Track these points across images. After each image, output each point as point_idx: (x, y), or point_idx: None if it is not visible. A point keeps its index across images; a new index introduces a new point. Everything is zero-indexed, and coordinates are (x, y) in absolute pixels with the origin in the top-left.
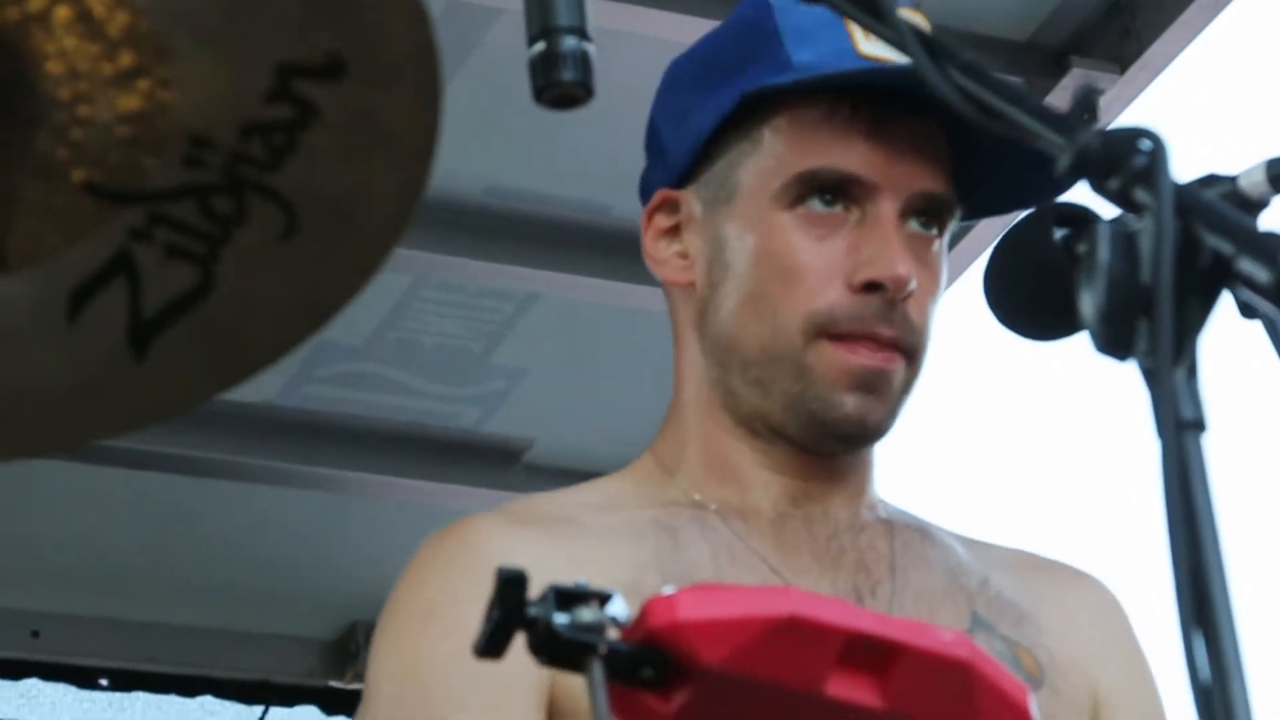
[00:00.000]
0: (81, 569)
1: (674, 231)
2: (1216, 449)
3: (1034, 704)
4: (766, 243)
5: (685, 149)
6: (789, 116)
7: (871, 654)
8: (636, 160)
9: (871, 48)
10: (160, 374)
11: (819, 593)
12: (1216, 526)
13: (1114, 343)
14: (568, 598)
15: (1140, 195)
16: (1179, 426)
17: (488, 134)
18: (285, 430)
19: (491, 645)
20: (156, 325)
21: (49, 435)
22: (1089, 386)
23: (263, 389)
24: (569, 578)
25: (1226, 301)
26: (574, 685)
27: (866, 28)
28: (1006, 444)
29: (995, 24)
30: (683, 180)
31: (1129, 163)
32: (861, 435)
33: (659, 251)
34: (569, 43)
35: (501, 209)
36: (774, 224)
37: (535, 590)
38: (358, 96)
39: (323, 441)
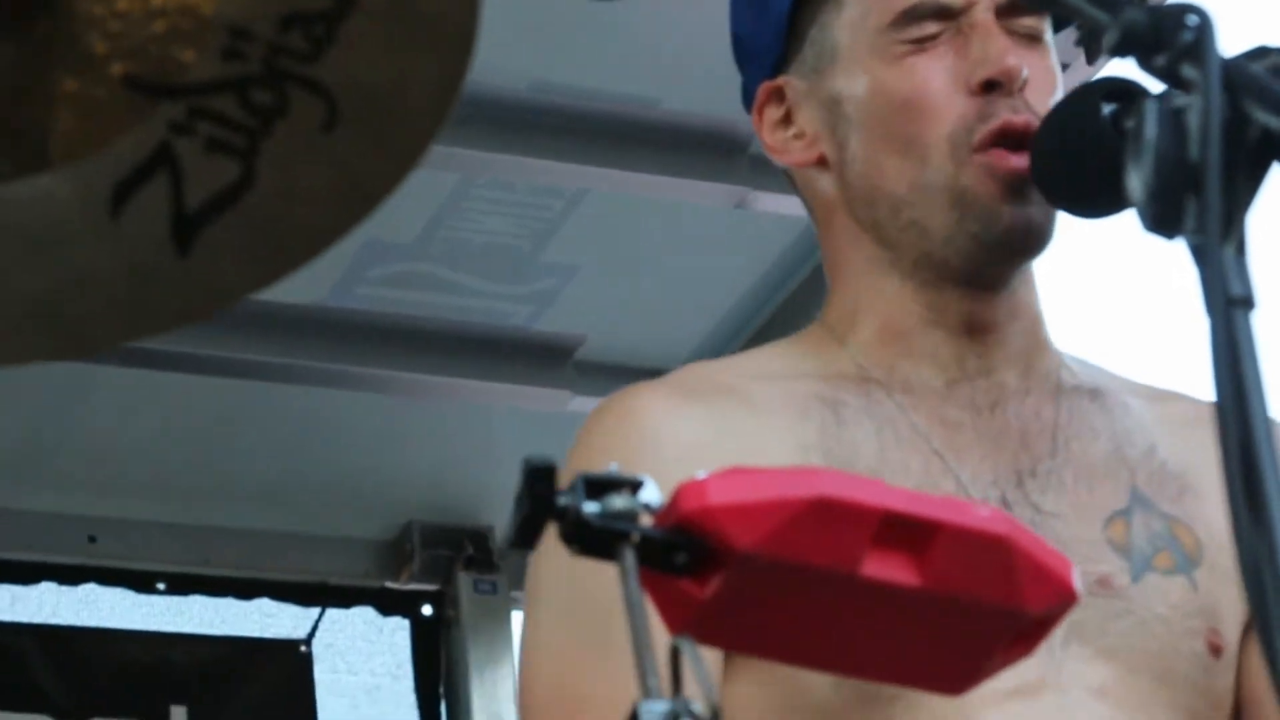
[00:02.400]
0: (136, 474)
1: (786, 119)
2: (1266, 325)
3: (1077, 576)
4: (881, 81)
5: (772, 35)
6: None
7: (907, 532)
8: (684, 53)
9: None
10: (205, 268)
11: (981, 474)
12: (1266, 402)
13: (1162, 220)
14: (597, 486)
15: (1187, 71)
16: (1228, 303)
17: (533, 28)
18: (336, 331)
19: (522, 537)
20: (200, 219)
21: (96, 332)
22: (1138, 262)
23: (313, 290)
24: (730, 457)
25: (1276, 176)
26: None
27: None
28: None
29: None
30: (777, 70)
31: (1176, 38)
32: (1025, 242)
33: (778, 141)
34: None
35: (548, 104)
36: (882, 61)
37: (718, 464)
38: None
39: (374, 342)
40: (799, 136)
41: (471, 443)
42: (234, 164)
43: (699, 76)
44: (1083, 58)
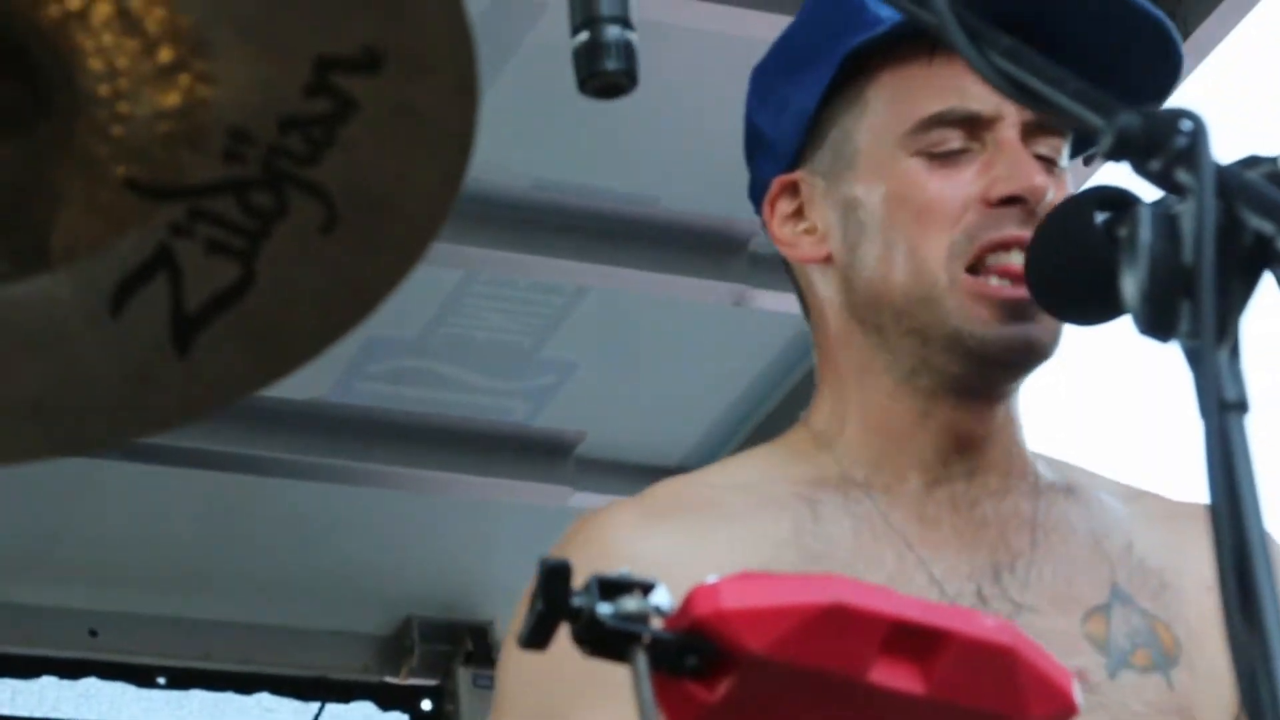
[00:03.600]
0: (138, 568)
1: (798, 214)
2: (1259, 430)
3: (1078, 689)
4: (898, 189)
5: (793, 132)
6: (890, 71)
7: (915, 641)
8: (684, 151)
9: None
10: (204, 369)
11: (957, 568)
12: (1260, 507)
13: (1156, 324)
14: (611, 587)
15: (1181, 176)
16: (1222, 407)
17: (535, 127)
18: (338, 427)
19: (535, 636)
20: (199, 321)
21: (94, 431)
22: (1132, 368)
23: (315, 386)
24: (704, 570)
25: (1269, 282)
26: None
27: (906, 12)
28: (1052, 425)
29: None
30: (793, 165)
31: (1170, 143)
32: (1027, 358)
33: (787, 234)
34: (612, 32)
35: (550, 202)
36: (903, 169)
37: (691, 580)
38: (396, 88)
39: (375, 437)
40: (809, 232)
41: (472, 538)
42: (234, 265)
43: (698, 175)
44: (1079, 160)
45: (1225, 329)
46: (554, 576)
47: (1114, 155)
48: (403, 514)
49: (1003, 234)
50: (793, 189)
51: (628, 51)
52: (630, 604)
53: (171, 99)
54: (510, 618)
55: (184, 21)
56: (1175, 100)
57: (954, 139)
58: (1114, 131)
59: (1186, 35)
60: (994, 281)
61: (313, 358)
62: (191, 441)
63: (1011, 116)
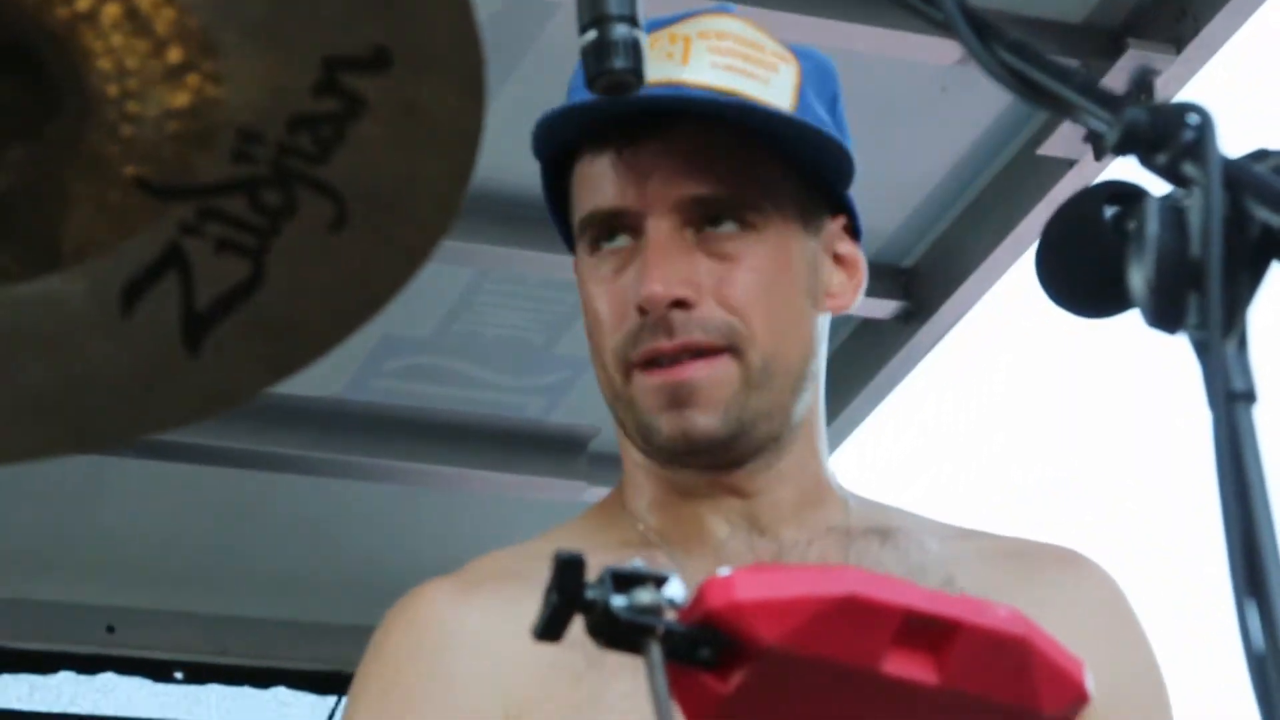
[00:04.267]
0: (155, 564)
1: None
2: (1268, 420)
3: (1089, 677)
4: (582, 291)
5: (557, 220)
6: (574, 169)
7: (928, 631)
8: None
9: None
10: (214, 367)
11: None
12: (1269, 497)
13: (1164, 316)
14: (625, 580)
15: (1189, 170)
16: (1230, 398)
17: None
18: (353, 423)
19: (550, 628)
20: (209, 319)
21: (106, 428)
22: (1141, 360)
23: (330, 383)
24: (521, 639)
25: (1276, 273)
26: None
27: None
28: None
29: (1051, 6)
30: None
31: (1177, 137)
32: (692, 448)
33: None
34: (620, 30)
35: None
36: (583, 271)
37: (508, 650)
38: (404, 87)
39: (390, 434)
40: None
41: (487, 533)
42: (244, 263)
43: None
44: (1090, 154)
45: (1233, 320)
46: (568, 569)
47: (1121, 149)
48: (418, 509)
49: (647, 350)
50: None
51: (635, 50)
52: (644, 596)
53: (180, 99)
54: None
55: (193, 22)
56: (1184, 94)
57: (615, 237)
58: (1121, 125)
59: (1196, 31)
60: (650, 376)
61: (322, 355)
62: (208, 439)
63: (655, 209)
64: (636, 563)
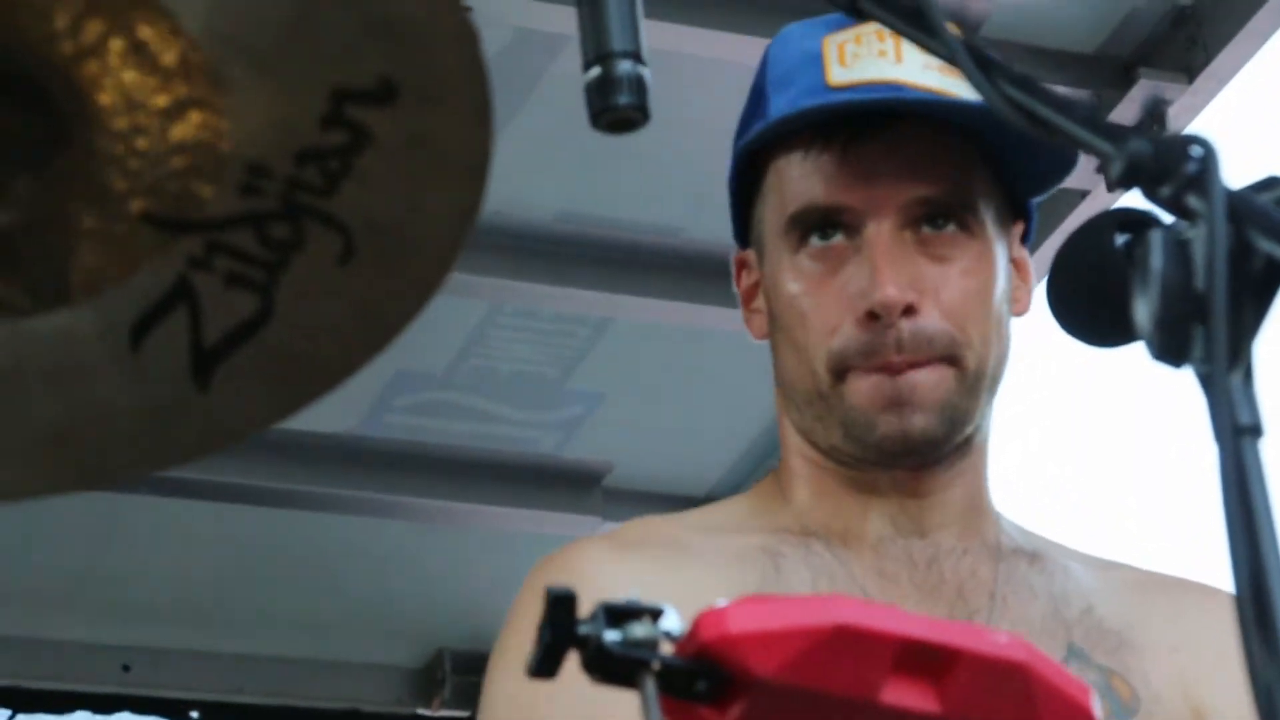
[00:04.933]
0: (170, 603)
1: (755, 288)
2: (1274, 453)
3: (1096, 703)
4: (786, 288)
5: (735, 205)
6: (777, 163)
7: (927, 660)
8: (707, 182)
9: (844, 75)
10: (223, 401)
11: None
12: (1276, 530)
13: (1169, 349)
14: (618, 615)
15: (1192, 201)
16: (1236, 432)
17: (558, 159)
18: (367, 460)
19: (544, 665)
20: (218, 354)
21: (115, 464)
22: (1147, 392)
23: (344, 419)
24: (671, 604)
25: None
26: None
27: (917, 43)
28: (1065, 450)
29: (1063, 37)
30: (747, 240)
31: (1180, 169)
32: (907, 449)
33: (745, 312)
34: (624, 67)
35: (574, 234)
36: (788, 268)
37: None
38: (410, 119)
39: (404, 470)
40: (758, 312)
41: (501, 569)
42: (252, 298)
43: (721, 205)
44: (1103, 184)
45: (1238, 354)
46: (559, 605)
47: (1124, 181)
48: (432, 546)
49: (875, 362)
50: (747, 265)
51: (639, 86)
52: (638, 630)
53: (188, 132)
54: None
55: (199, 57)
56: (1196, 124)
57: (826, 233)
58: (1124, 158)
59: (1207, 62)
60: (870, 376)
61: (332, 389)
62: (222, 476)
63: (878, 210)
64: (633, 594)
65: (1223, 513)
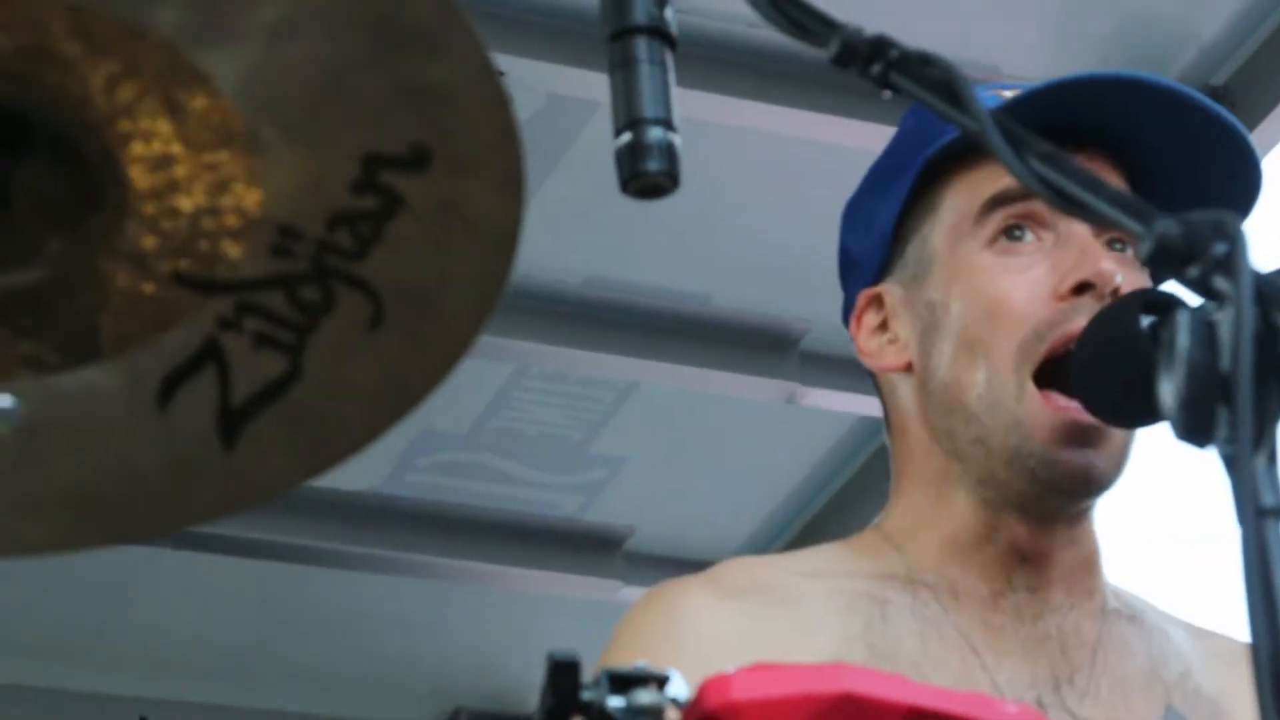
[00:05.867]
0: (189, 655)
1: (883, 326)
2: None
3: None
4: (971, 285)
5: (877, 246)
6: (962, 174)
7: None
8: (735, 249)
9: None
10: (249, 461)
11: (1019, 677)
12: None
13: (1194, 430)
14: (623, 681)
15: (1220, 283)
16: (1259, 514)
17: (588, 224)
18: (389, 518)
19: None
20: (245, 414)
21: (141, 520)
22: (1170, 472)
23: (367, 478)
24: (769, 652)
25: None
26: None
27: (948, 118)
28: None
29: None
30: (879, 279)
31: (1208, 250)
32: (1086, 490)
33: (872, 346)
34: (655, 133)
35: (601, 299)
36: (974, 266)
37: (756, 659)
38: (442, 186)
39: (426, 529)
40: (893, 342)
41: (521, 630)
42: (280, 359)
43: (749, 273)
44: None
45: (1262, 436)
46: (561, 671)
47: (1153, 262)
48: (453, 605)
49: (1072, 327)
50: (878, 301)
51: (670, 153)
52: (643, 697)
53: (220, 194)
54: None
55: (233, 119)
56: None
57: (1022, 223)
58: (1152, 238)
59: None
60: (1061, 402)
61: (357, 452)
62: (244, 531)
63: None
64: (640, 663)
65: (1244, 593)
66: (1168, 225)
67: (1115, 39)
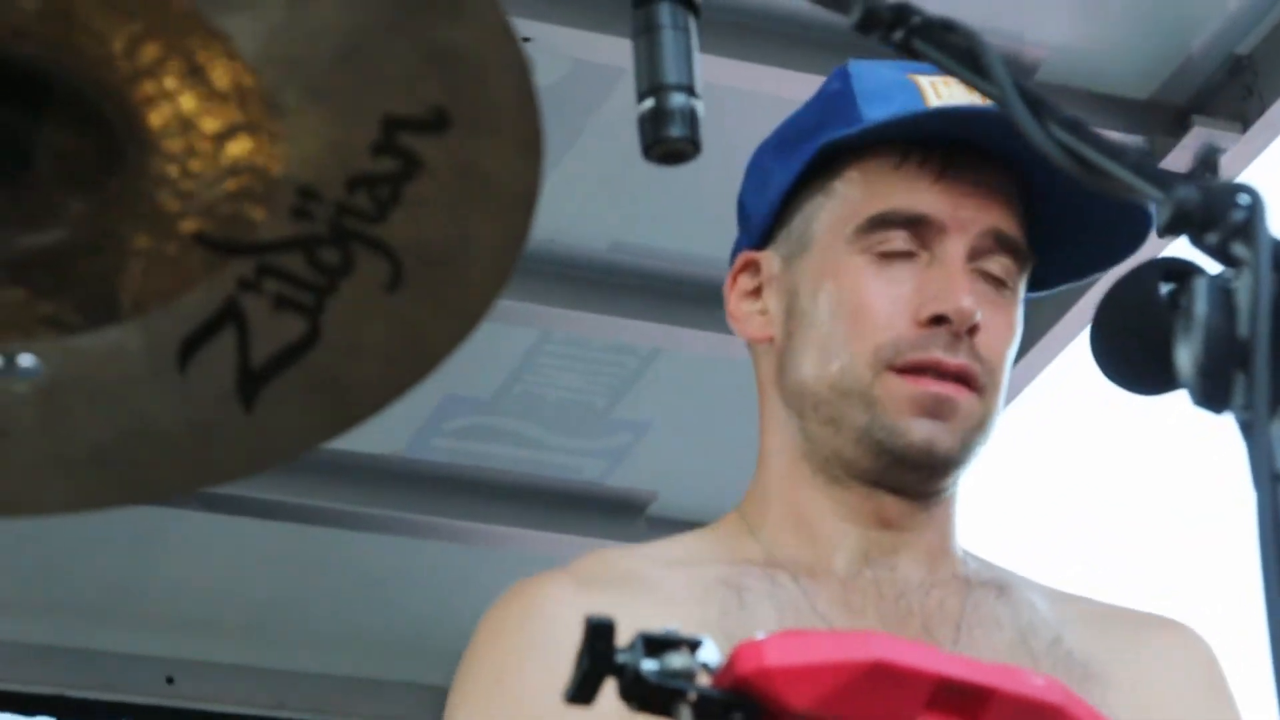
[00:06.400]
0: (215, 616)
1: (756, 292)
2: None
3: None
4: (839, 285)
5: (765, 209)
6: (861, 168)
7: (961, 699)
8: None
9: (940, 104)
10: (268, 423)
11: None
12: None
13: (1211, 396)
14: (656, 644)
15: (1238, 250)
16: (1274, 479)
17: (613, 190)
18: (413, 482)
19: (581, 692)
20: (264, 375)
21: (162, 480)
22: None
23: (391, 441)
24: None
25: None
26: None
27: (970, 84)
28: (1103, 496)
29: (1117, 83)
30: (764, 242)
31: (1227, 217)
32: (930, 462)
33: (740, 310)
34: (677, 99)
35: (626, 264)
36: (847, 266)
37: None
38: (461, 148)
39: (449, 493)
40: (763, 314)
41: None
42: (300, 321)
43: None
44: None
45: (1279, 402)
46: (599, 633)
47: (1171, 229)
48: (476, 568)
49: (926, 356)
50: (755, 267)
51: (692, 118)
52: (676, 660)
53: (240, 156)
54: None
55: (254, 81)
56: (1249, 172)
57: (899, 240)
58: (1172, 205)
59: (1262, 111)
60: (915, 382)
61: (376, 413)
62: (269, 493)
63: (959, 231)
64: (672, 626)
65: (1259, 558)
66: (1187, 191)
67: (1139, 6)
